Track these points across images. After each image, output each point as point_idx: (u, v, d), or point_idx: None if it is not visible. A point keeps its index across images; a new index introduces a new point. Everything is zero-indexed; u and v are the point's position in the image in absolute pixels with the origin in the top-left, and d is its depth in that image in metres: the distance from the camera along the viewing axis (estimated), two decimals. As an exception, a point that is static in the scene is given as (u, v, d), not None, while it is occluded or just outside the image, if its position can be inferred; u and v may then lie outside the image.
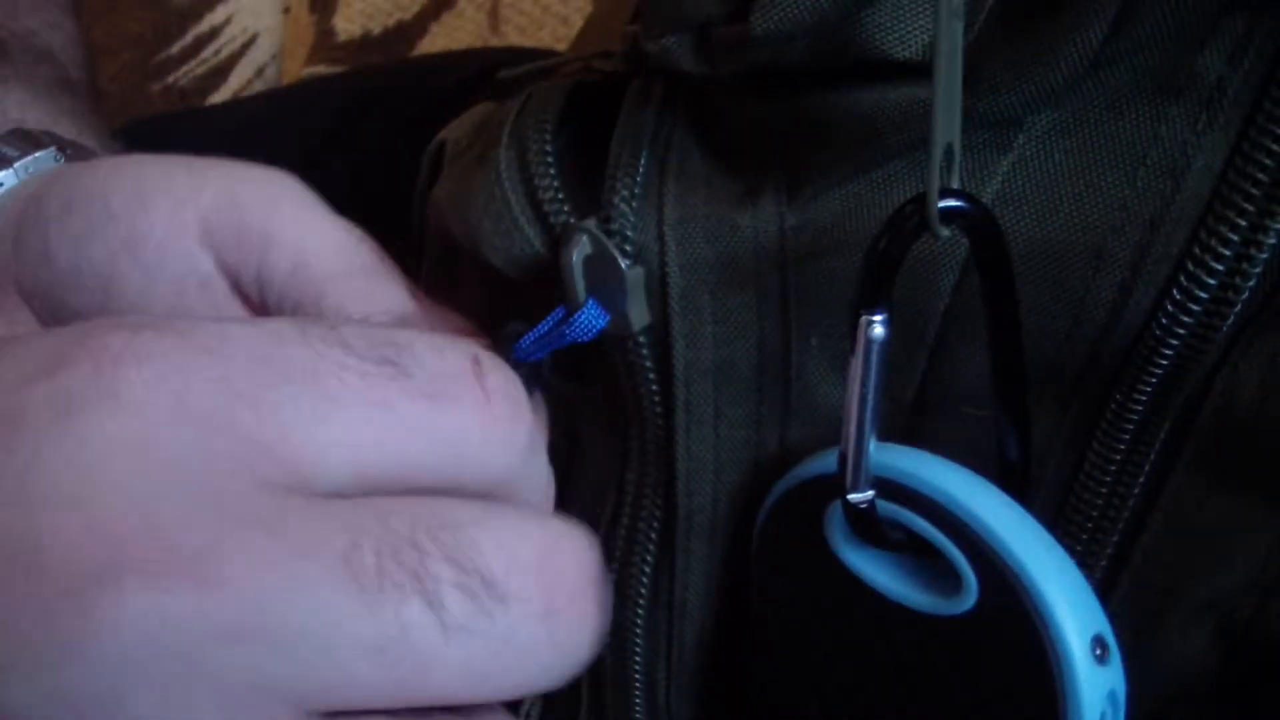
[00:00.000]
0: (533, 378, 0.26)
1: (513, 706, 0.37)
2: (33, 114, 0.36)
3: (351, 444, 0.20)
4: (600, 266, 0.28)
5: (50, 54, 0.44)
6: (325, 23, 1.01)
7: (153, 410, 0.19)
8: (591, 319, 0.28)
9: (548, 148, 0.29)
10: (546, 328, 0.28)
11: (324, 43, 1.01)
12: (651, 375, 0.30)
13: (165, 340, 0.20)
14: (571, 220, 0.29)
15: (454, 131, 0.34)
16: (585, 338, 0.28)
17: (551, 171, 0.29)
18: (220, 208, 0.25)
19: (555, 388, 0.33)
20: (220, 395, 0.20)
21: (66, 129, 0.34)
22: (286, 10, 1.06)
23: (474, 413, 0.22)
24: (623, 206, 0.28)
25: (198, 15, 1.10)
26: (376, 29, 0.97)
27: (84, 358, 0.19)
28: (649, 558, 0.32)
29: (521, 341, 0.28)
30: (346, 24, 0.99)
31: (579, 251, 0.28)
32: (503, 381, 0.22)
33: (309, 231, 0.26)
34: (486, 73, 0.45)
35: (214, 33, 1.09)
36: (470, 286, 0.34)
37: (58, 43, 0.45)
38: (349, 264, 0.26)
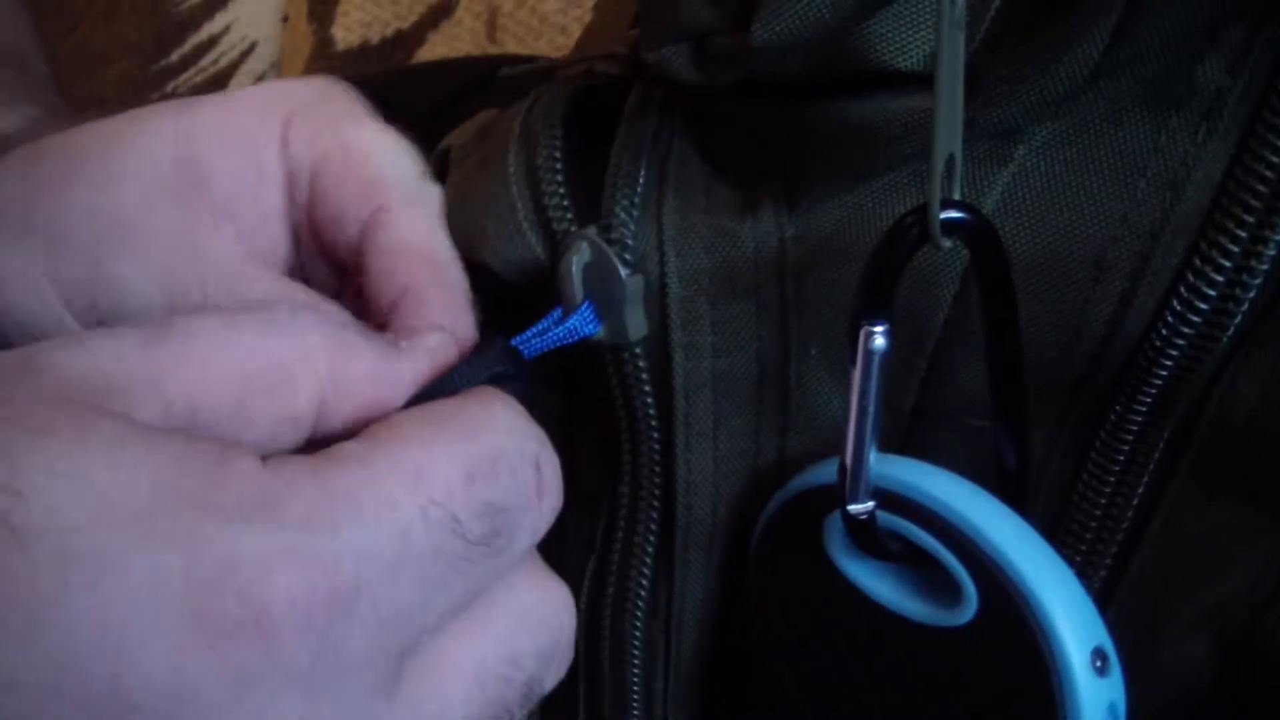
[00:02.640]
0: (511, 371, 0.26)
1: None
2: None
3: (451, 613, 0.22)
4: (599, 275, 0.28)
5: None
6: (324, 32, 1.01)
7: (312, 668, 0.19)
8: (584, 324, 0.28)
9: (557, 154, 0.29)
10: (539, 328, 0.28)
11: (322, 52, 1.00)
12: (647, 388, 0.30)
13: (318, 582, 0.19)
14: (573, 228, 0.29)
15: (457, 138, 0.34)
16: (574, 339, 0.28)
17: (559, 178, 0.29)
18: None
19: (548, 403, 0.32)
20: (368, 636, 0.20)
21: None
22: (285, 19, 1.06)
23: (532, 519, 0.23)
24: (623, 215, 0.28)
25: (197, 24, 1.10)
26: (375, 38, 0.97)
27: (248, 623, 0.19)
28: (646, 570, 0.32)
29: (512, 341, 0.28)
30: (345, 33, 0.99)
31: (578, 259, 0.28)
32: (554, 478, 0.24)
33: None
34: (485, 78, 0.45)
35: (213, 41, 1.09)
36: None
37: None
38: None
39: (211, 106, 0.30)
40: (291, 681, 0.19)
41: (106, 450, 0.19)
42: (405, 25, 0.95)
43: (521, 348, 0.28)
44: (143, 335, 0.22)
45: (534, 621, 0.23)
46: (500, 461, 0.22)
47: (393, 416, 0.23)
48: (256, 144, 0.30)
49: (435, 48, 0.92)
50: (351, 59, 0.98)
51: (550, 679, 0.24)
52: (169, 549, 0.19)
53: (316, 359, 0.23)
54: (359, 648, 0.20)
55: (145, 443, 0.19)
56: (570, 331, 0.28)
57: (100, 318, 0.28)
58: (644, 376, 0.29)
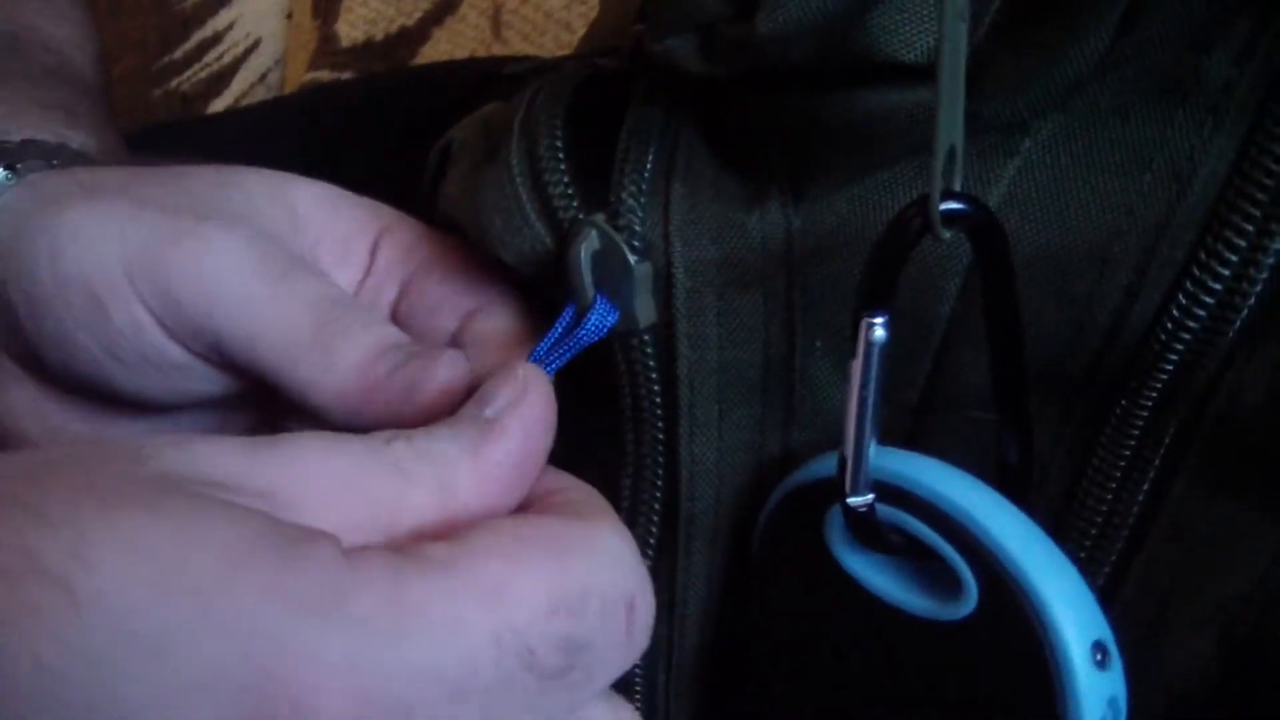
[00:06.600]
0: None
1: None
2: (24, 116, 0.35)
3: None
4: (608, 262, 0.28)
5: (54, 44, 0.44)
6: (328, 28, 1.01)
7: None
8: (602, 318, 0.28)
9: (558, 143, 0.29)
10: (558, 334, 0.28)
11: (326, 48, 1.00)
12: (654, 376, 0.30)
13: (371, 698, 0.18)
14: (580, 216, 0.29)
15: (461, 132, 0.34)
16: (598, 337, 0.28)
17: (561, 167, 0.29)
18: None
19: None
20: None
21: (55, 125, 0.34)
22: (289, 16, 1.06)
23: (617, 659, 0.22)
24: (630, 201, 0.28)
25: (201, 20, 1.10)
26: (379, 34, 0.97)
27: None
28: (648, 562, 0.32)
29: (535, 351, 0.27)
30: (349, 29, 0.99)
31: (587, 246, 0.28)
32: (647, 618, 0.22)
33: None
34: (488, 79, 0.45)
35: (217, 38, 1.09)
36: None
37: (63, 34, 0.46)
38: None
39: (304, 188, 0.32)
40: None
41: (180, 522, 0.18)
42: (409, 22, 0.95)
43: (545, 360, 0.28)
44: (246, 446, 0.21)
45: None
46: (591, 596, 0.21)
47: (489, 521, 0.22)
48: (350, 235, 0.32)
49: (439, 44, 0.92)
50: (355, 55, 0.98)
51: None
52: (227, 636, 0.18)
53: (421, 505, 0.22)
54: None
55: (224, 516, 0.19)
56: (594, 330, 0.28)
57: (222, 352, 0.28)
58: (651, 365, 0.29)
